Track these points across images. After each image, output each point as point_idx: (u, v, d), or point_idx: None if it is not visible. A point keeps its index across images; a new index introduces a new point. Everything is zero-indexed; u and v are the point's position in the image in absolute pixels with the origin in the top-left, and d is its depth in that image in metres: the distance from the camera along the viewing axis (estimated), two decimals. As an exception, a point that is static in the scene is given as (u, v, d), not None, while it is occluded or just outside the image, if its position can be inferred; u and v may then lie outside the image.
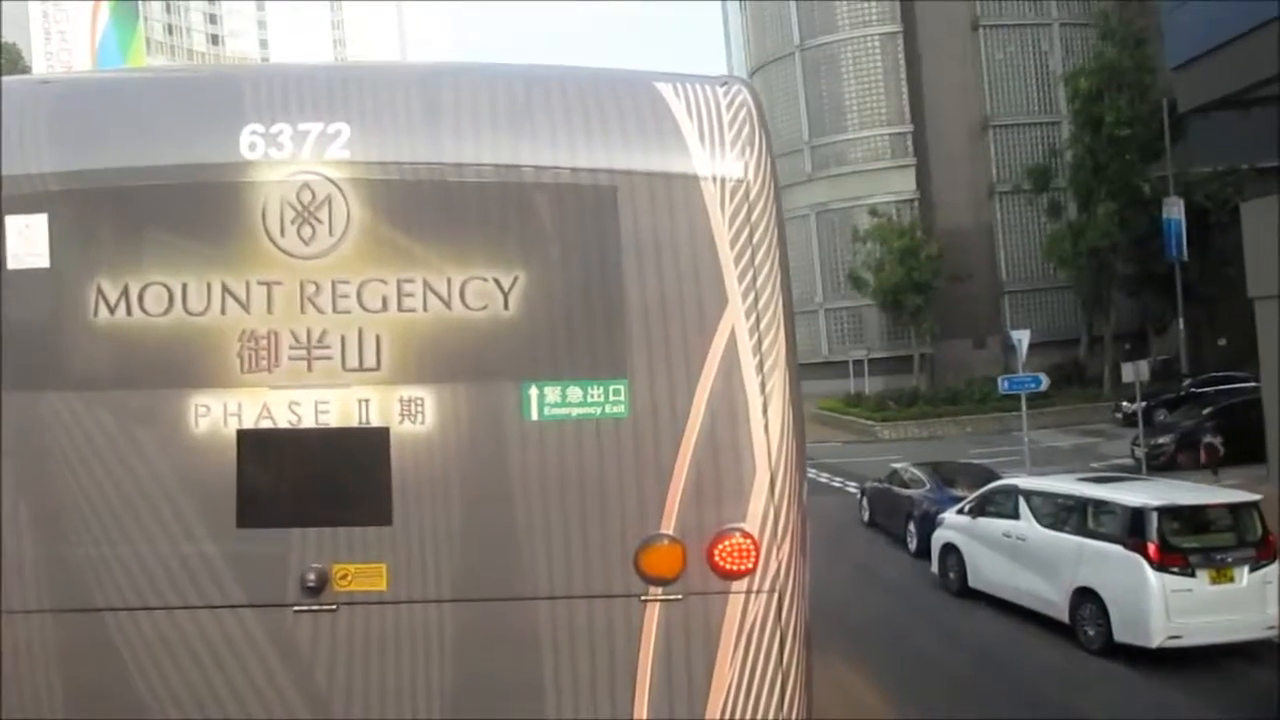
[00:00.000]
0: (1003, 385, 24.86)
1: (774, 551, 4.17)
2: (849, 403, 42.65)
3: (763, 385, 4.16)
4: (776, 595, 4.18)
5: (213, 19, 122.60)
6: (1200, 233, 34.72)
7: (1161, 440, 25.47)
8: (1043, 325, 42.05)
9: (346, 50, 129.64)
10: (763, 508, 4.15)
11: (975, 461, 22.97)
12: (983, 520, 14.47)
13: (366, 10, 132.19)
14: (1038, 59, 48.56)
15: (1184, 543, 11.45)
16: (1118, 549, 11.66)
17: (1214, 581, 11.17)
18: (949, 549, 15.21)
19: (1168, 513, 11.62)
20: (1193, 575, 11.14)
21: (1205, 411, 26.60)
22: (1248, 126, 23.80)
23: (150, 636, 4.09)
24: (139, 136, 4.22)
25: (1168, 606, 11.02)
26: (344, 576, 4.09)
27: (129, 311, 4.08)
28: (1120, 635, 11.42)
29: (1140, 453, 24.33)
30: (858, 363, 44.31)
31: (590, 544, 4.10)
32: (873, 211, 46.42)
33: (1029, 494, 13.82)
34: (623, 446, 4.10)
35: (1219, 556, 11.30)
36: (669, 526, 4.11)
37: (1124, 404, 32.20)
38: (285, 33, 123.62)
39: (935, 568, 15.56)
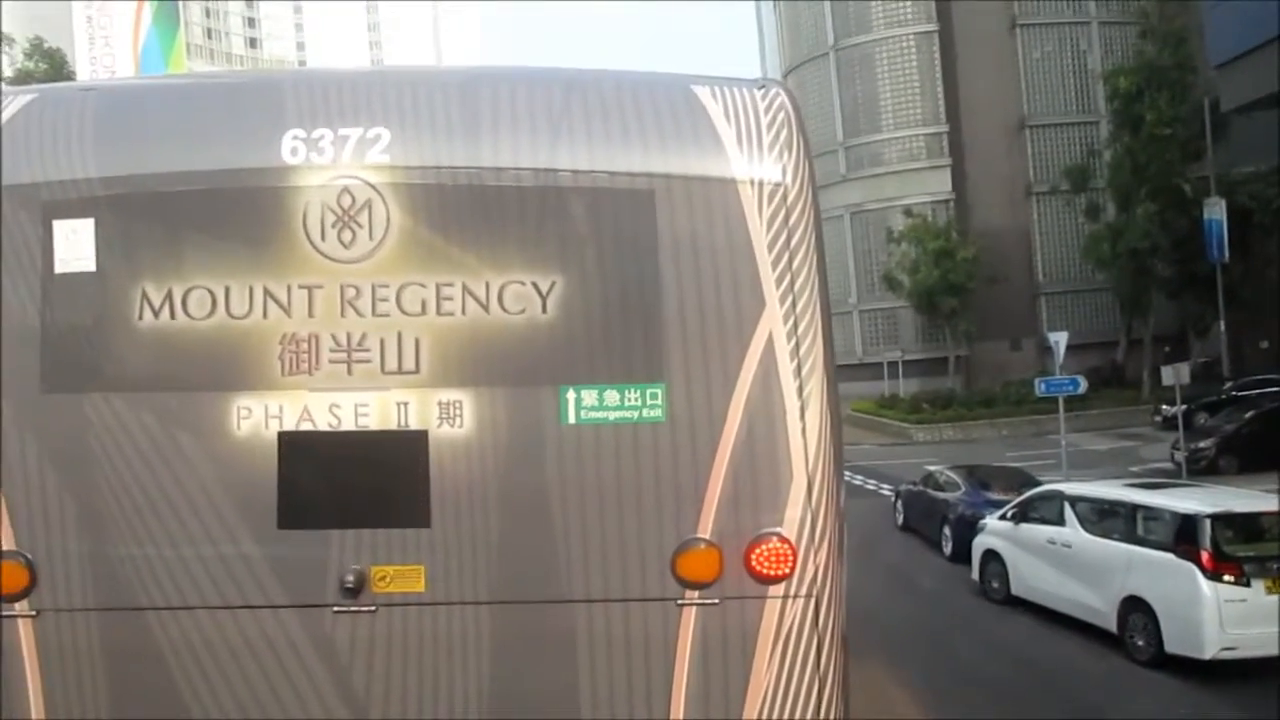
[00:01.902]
0: (1040, 387, 24.60)
1: (811, 556, 4.15)
2: (883, 404, 42.43)
3: (800, 389, 4.15)
4: (813, 600, 4.16)
5: (251, 23, 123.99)
6: (1242, 233, 34.14)
7: (1202, 444, 25.07)
8: (1080, 327, 41.55)
9: (382, 52, 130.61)
10: (800, 512, 4.13)
11: (1011, 465, 22.75)
12: (1026, 526, 14.15)
13: (402, 11, 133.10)
14: (1076, 58, 48.02)
15: (1238, 551, 11.02)
16: (1169, 557, 11.29)
17: (1270, 591, 10.69)
18: (990, 555, 14.89)
19: (1221, 520, 11.23)
20: (1248, 585, 10.71)
21: (1247, 415, 26.21)
22: (1292, 125, 23.42)
23: (192, 636, 4.14)
24: (182, 142, 4.28)
25: (1221, 617, 10.64)
26: (383, 578, 4.12)
27: (173, 315, 4.14)
28: (1171, 646, 11.08)
29: (1180, 457, 23.96)
30: (892, 364, 44.08)
31: (627, 548, 4.10)
32: (908, 212, 46.14)
33: (1074, 499, 13.48)
34: (660, 450, 4.10)
35: (1275, 566, 10.84)
36: (706, 531, 4.11)
37: (1163, 407, 31.75)
38: (322, 35, 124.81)
39: (976, 575, 15.24)
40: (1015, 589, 14.22)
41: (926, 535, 19.23)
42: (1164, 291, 39.80)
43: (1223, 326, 35.38)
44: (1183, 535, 11.28)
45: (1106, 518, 12.87)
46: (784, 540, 4.12)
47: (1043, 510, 14.10)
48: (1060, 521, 13.44)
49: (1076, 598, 12.83)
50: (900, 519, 20.83)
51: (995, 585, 14.69)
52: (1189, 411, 27.34)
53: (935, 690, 10.51)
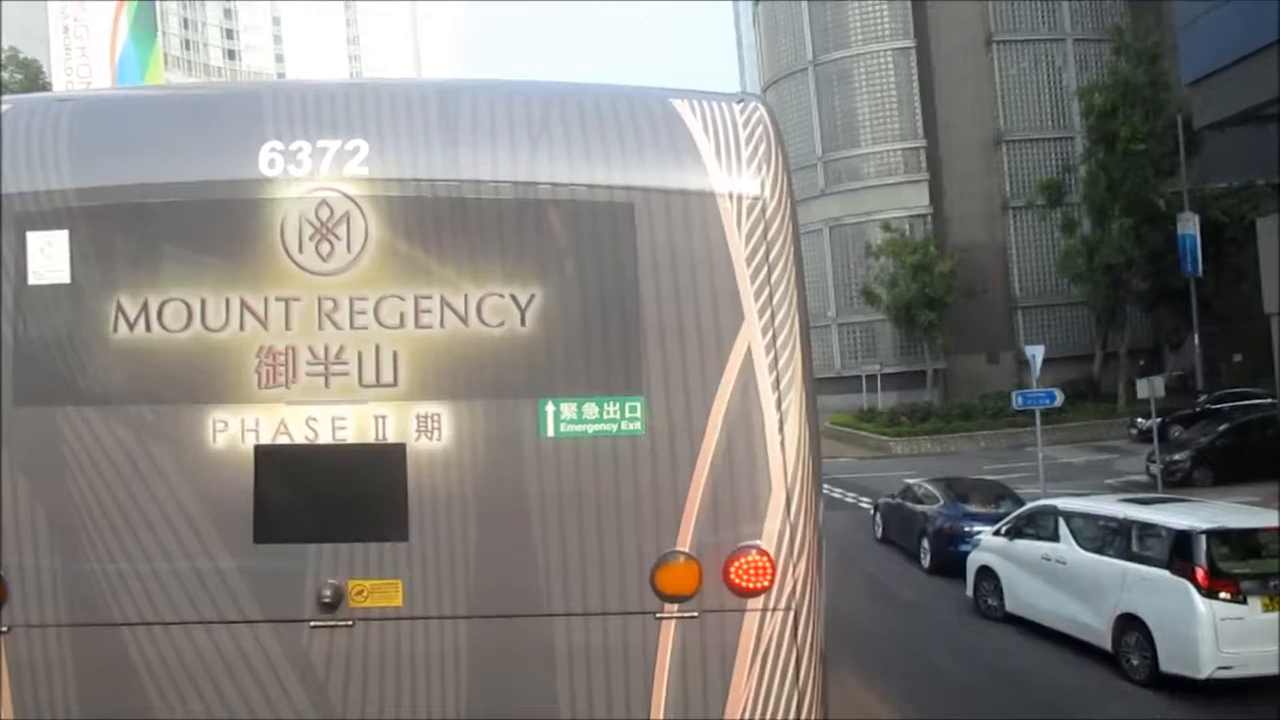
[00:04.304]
0: (1016, 400, 24.71)
1: (790, 569, 4.15)
2: (862, 418, 42.58)
3: (779, 402, 4.15)
4: (793, 613, 4.16)
5: (229, 34, 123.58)
6: (1215, 248, 34.57)
7: (1177, 457, 25.30)
8: (1056, 340, 41.93)
9: (362, 65, 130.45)
10: (779, 525, 4.13)
11: (989, 478, 22.86)
12: (1020, 542, 13.93)
13: (381, 23, 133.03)
14: (1051, 74, 48.55)
15: (1235, 568, 10.77)
16: (1164, 574, 11.05)
17: (1267, 609, 10.43)
18: (985, 572, 14.63)
19: (1217, 536, 11.01)
20: (1244, 602, 10.45)
21: (1221, 428, 26.46)
22: (1263, 141, 23.75)
23: (166, 652, 4.09)
24: (159, 153, 4.25)
25: (1218, 635, 10.38)
26: (360, 592, 4.09)
27: (148, 327, 4.10)
28: (1167, 665, 10.83)
29: (1155, 469, 24.16)
30: (870, 378, 44.28)
31: (606, 561, 4.09)
32: (886, 226, 46.44)
33: (1069, 515, 13.25)
34: (639, 463, 4.09)
35: (1272, 583, 10.59)
36: (685, 544, 4.10)
37: (1139, 420, 32.05)
38: (301, 46, 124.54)
39: (970, 592, 14.95)
40: (1010, 606, 13.97)
41: (905, 548, 19.27)
42: (1139, 305, 40.23)
43: (1196, 340, 35.77)
44: (1178, 552, 11.03)
45: (1101, 534, 12.63)
46: (763, 553, 4.12)
47: (1037, 526, 13.88)
48: (1055, 538, 13.21)
49: (1071, 615, 12.60)
50: (879, 532, 20.87)
51: (991, 603, 14.41)
52: (1164, 425, 27.61)
53: (916, 701, 10.49)
